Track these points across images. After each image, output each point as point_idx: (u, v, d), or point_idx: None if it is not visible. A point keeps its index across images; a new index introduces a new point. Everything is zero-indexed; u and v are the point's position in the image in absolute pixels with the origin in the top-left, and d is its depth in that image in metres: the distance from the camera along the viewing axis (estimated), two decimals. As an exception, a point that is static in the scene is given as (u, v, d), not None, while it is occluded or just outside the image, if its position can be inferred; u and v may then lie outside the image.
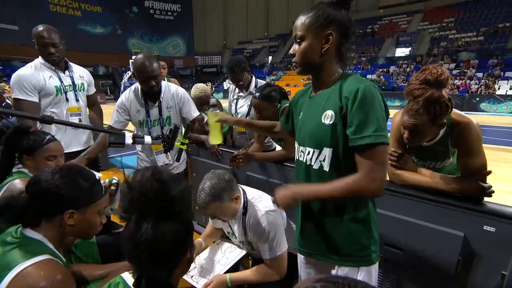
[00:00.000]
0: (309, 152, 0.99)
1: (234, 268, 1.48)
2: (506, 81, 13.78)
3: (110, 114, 1.85)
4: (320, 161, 0.96)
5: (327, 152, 0.94)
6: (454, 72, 15.75)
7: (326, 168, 0.95)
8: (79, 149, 2.04)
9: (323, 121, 0.94)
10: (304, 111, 1.05)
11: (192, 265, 1.46)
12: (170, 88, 1.91)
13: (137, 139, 1.38)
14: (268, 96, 1.73)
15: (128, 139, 1.36)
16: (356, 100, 0.85)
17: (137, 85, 1.82)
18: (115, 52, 24.04)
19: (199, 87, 2.23)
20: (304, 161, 1.01)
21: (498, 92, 13.24)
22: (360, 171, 0.86)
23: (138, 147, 2.00)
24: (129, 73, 3.00)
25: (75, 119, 1.98)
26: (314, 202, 1.00)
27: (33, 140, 1.27)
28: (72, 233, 0.94)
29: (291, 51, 0.98)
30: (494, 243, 1.12)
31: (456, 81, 14.97)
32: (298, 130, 1.07)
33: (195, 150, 2.34)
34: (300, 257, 1.19)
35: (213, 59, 30.04)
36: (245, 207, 1.37)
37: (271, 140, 2.23)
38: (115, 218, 1.43)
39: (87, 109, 2.16)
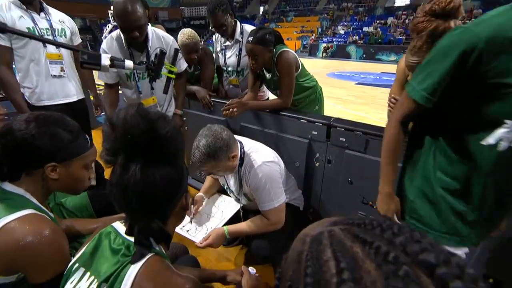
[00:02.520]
0: None
1: (231, 221, 1.48)
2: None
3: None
4: None
5: None
6: (454, 22, 15.08)
7: None
8: (67, 101, 1.87)
9: None
10: None
11: (188, 220, 1.45)
12: (158, 33, 1.67)
13: (116, 61, 1.21)
14: (263, 40, 1.57)
15: (105, 60, 1.18)
16: None
17: (119, 31, 1.58)
18: (92, 2, 21.83)
19: (186, 33, 1.99)
20: None
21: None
22: None
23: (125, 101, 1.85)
24: (110, 26, 2.68)
25: (56, 68, 1.78)
26: None
27: None
28: (58, 188, 0.88)
29: None
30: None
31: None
32: None
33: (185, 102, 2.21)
34: None
35: (201, 10, 27.62)
36: (241, 159, 1.32)
37: (265, 89, 2.11)
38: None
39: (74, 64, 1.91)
